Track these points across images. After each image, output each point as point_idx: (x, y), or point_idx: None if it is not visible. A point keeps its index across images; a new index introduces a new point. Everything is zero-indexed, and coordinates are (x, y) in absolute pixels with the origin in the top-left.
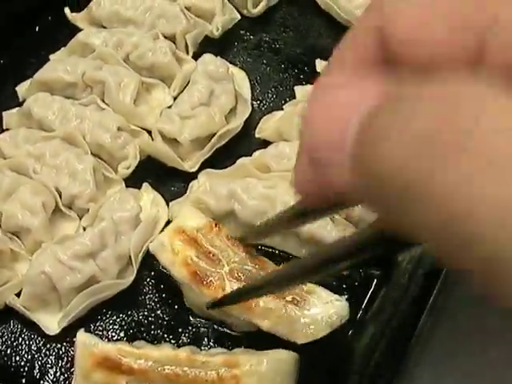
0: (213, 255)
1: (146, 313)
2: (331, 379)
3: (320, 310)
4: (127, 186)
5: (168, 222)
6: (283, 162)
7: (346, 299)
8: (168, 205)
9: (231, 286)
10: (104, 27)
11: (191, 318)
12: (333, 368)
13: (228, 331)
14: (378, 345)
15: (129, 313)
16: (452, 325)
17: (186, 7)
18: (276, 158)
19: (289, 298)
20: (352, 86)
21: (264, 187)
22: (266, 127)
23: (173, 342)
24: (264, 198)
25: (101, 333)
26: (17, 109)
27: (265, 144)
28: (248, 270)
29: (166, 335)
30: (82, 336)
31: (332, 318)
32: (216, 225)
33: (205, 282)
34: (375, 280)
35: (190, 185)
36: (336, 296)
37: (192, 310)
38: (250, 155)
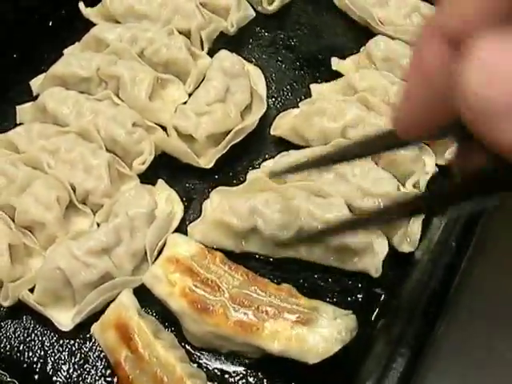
0: (211, 282)
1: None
2: None
3: (328, 326)
4: (142, 182)
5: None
6: None
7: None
8: (183, 201)
9: (235, 313)
10: (118, 22)
11: (190, 350)
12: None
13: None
14: (391, 359)
15: (143, 310)
16: (463, 332)
17: (201, 3)
18: None
19: (294, 318)
20: None
21: (284, 199)
22: (281, 124)
23: None
24: (286, 210)
25: None
26: (31, 103)
27: (280, 141)
28: (249, 294)
29: None
30: (125, 294)
31: (341, 333)
32: (209, 251)
33: (207, 311)
34: (382, 296)
35: (204, 206)
36: (342, 310)
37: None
38: (265, 153)
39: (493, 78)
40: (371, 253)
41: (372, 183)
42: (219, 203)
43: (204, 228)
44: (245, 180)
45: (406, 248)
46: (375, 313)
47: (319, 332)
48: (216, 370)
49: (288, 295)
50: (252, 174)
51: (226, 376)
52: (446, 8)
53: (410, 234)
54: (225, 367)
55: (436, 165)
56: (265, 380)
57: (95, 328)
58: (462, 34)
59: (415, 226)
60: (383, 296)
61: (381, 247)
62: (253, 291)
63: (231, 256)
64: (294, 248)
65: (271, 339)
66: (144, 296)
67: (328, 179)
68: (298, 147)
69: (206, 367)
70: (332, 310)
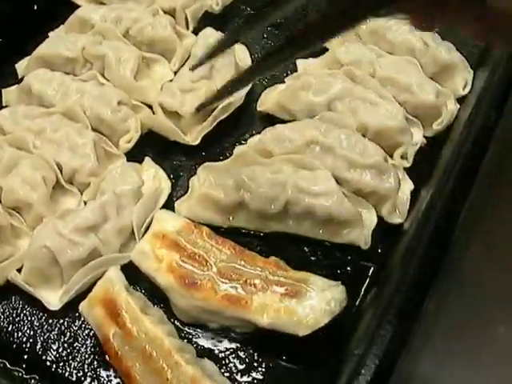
0: (198, 256)
1: (144, 288)
2: (333, 362)
3: (317, 298)
4: (129, 161)
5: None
6: (284, 144)
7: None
8: (170, 178)
9: (223, 287)
10: (103, 4)
11: (180, 326)
12: (334, 352)
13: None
14: (379, 327)
15: (131, 287)
16: (455, 313)
17: None
18: (276, 141)
19: (283, 291)
20: None
21: (271, 173)
22: (267, 100)
23: None
24: (273, 183)
25: None
26: (16, 86)
27: (266, 117)
28: (237, 268)
29: None
30: (113, 271)
31: (331, 304)
32: (195, 226)
33: (195, 286)
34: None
35: (191, 182)
36: (331, 282)
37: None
38: (252, 129)
39: None
40: (360, 225)
41: (359, 155)
42: (206, 179)
43: (191, 203)
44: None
45: (395, 219)
46: (364, 285)
47: (308, 304)
48: (205, 345)
49: (276, 268)
50: (238, 150)
51: (216, 351)
52: None
53: (399, 205)
54: (214, 342)
55: (424, 136)
56: (255, 354)
57: (83, 305)
58: None
59: (404, 196)
60: (372, 268)
61: (369, 219)
62: (240, 265)
63: (219, 231)
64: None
65: (260, 312)
66: (132, 273)
67: (315, 152)
68: (284, 122)
69: (196, 342)
70: (321, 282)
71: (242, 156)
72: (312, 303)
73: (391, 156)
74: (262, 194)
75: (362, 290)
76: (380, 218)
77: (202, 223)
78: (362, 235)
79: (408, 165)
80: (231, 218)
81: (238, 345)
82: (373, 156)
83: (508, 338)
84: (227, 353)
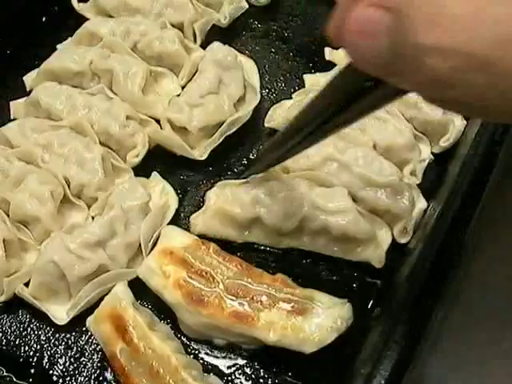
0: (205, 273)
1: (152, 304)
2: (339, 381)
3: (324, 315)
4: (136, 175)
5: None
6: (301, 160)
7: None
8: (177, 193)
9: (230, 303)
10: (111, 16)
11: (186, 341)
12: (340, 370)
13: (220, 357)
14: (387, 341)
15: (138, 302)
16: (464, 317)
17: None
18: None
19: (289, 308)
20: None
21: (287, 189)
22: (275, 117)
23: None
24: (289, 199)
25: None
26: (24, 98)
27: (274, 133)
28: (244, 285)
29: None
30: (120, 286)
31: (337, 322)
32: (203, 242)
33: (202, 302)
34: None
35: (207, 196)
36: (338, 299)
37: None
38: (259, 145)
39: None
40: (374, 243)
41: (375, 173)
42: (222, 193)
43: (206, 218)
44: (239, 171)
45: (404, 239)
46: (371, 302)
47: (315, 321)
48: (212, 362)
49: (283, 285)
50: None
51: (222, 368)
52: None
53: (409, 225)
54: (221, 358)
55: (431, 153)
56: (261, 371)
57: (90, 321)
58: None
59: (415, 216)
60: (379, 285)
61: (384, 238)
62: (247, 282)
63: (231, 246)
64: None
65: (267, 329)
66: (139, 288)
67: (332, 169)
68: None
69: (202, 358)
70: (327, 299)
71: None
72: (318, 321)
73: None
74: (279, 210)
75: (369, 306)
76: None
77: (213, 239)
78: (376, 254)
79: (418, 181)
80: (246, 233)
81: (245, 361)
82: (389, 175)
83: None
84: (233, 369)
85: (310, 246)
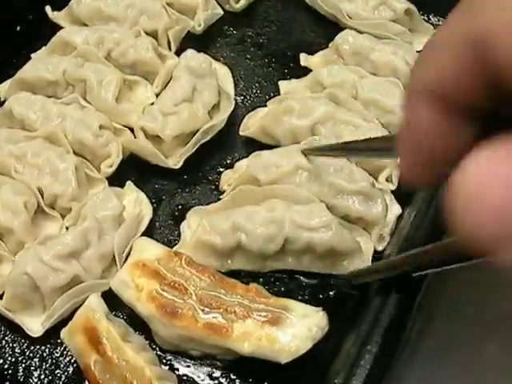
0: (178, 285)
1: (126, 315)
2: None
3: (299, 324)
4: (110, 185)
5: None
6: (272, 170)
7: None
8: (152, 202)
9: (204, 315)
10: (85, 25)
11: (161, 353)
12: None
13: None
14: (363, 348)
15: (112, 314)
16: (447, 322)
17: (167, 3)
18: (264, 168)
19: (263, 318)
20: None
21: (265, 211)
22: (249, 125)
23: None
24: (269, 222)
25: None
26: None
27: (249, 140)
28: (217, 296)
29: None
30: (93, 298)
31: (312, 331)
32: (175, 253)
33: (175, 315)
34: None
35: (182, 228)
36: (312, 308)
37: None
38: (234, 152)
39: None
40: (359, 254)
41: (346, 181)
42: (198, 224)
43: (186, 251)
44: (214, 180)
45: (381, 245)
46: (347, 310)
47: (289, 331)
48: (187, 373)
49: (256, 295)
50: (225, 175)
51: (197, 379)
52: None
53: (384, 231)
54: (196, 369)
55: None
56: (237, 381)
57: (64, 333)
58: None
59: (389, 222)
60: (354, 294)
61: (366, 246)
62: (221, 293)
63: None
64: None
65: (241, 340)
66: (113, 299)
67: (302, 178)
68: (267, 146)
69: (177, 369)
70: (302, 308)
71: (235, 196)
72: (293, 330)
73: (376, 179)
74: (260, 234)
75: (345, 314)
76: None
77: None
78: (363, 264)
79: (393, 187)
80: (229, 262)
81: (220, 372)
82: (360, 181)
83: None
84: (209, 380)
85: (296, 266)
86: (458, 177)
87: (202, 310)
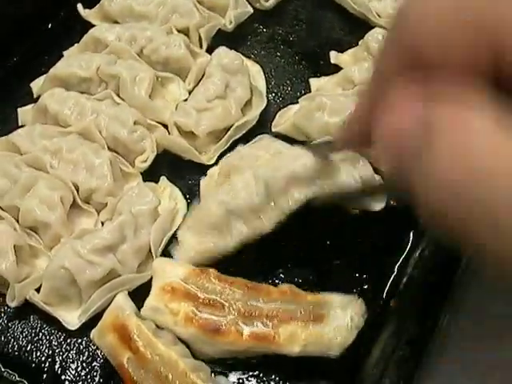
0: (213, 301)
1: None
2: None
3: (341, 316)
4: (145, 180)
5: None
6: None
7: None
8: (186, 198)
9: (247, 327)
10: (117, 22)
11: None
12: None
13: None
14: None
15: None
16: (467, 324)
17: (198, 1)
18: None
19: (305, 317)
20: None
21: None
22: (282, 121)
23: None
24: (246, 184)
25: None
26: (32, 105)
27: (281, 136)
28: (255, 305)
29: None
30: (121, 297)
31: (354, 319)
32: (201, 270)
33: (218, 332)
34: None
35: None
36: (349, 296)
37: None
38: None
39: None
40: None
41: None
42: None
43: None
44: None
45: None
46: (382, 299)
47: (333, 324)
48: (219, 364)
49: (292, 295)
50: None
51: (230, 369)
52: None
53: None
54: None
55: None
56: (273, 376)
57: (94, 333)
58: None
59: None
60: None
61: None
62: (257, 301)
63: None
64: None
65: (289, 343)
66: (139, 299)
67: None
68: (299, 142)
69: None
70: (339, 299)
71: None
72: (336, 323)
73: None
74: (240, 192)
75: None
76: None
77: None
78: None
79: None
80: (229, 238)
81: (255, 370)
82: None
83: None
84: (239, 372)
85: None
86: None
87: (244, 322)
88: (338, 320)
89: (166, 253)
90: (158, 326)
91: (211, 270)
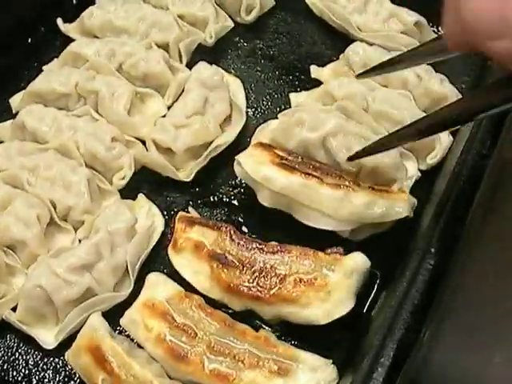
0: (187, 328)
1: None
2: None
3: (307, 377)
4: (122, 197)
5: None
6: None
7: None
8: (163, 215)
9: (211, 362)
10: (97, 37)
11: None
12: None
13: None
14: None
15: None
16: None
17: (179, 16)
18: None
19: (272, 369)
20: None
21: None
22: (261, 136)
23: None
24: None
25: None
26: (10, 121)
27: None
28: (226, 342)
29: None
30: (94, 317)
31: None
32: (186, 295)
33: (183, 359)
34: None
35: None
36: (322, 360)
37: None
38: None
39: None
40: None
41: None
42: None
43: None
44: (225, 192)
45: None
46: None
47: (298, 382)
48: None
49: (266, 344)
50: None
51: None
52: None
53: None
54: None
55: (419, 170)
56: None
57: (69, 354)
58: None
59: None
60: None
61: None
62: (230, 340)
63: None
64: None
65: None
66: (114, 317)
67: None
68: None
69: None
70: (311, 360)
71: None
72: (302, 383)
73: None
74: None
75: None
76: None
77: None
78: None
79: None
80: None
81: None
82: None
83: None
84: None
85: None
86: None
87: (210, 356)
88: (303, 380)
89: (143, 272)
90: (132, 340)
91: (196, 298)
